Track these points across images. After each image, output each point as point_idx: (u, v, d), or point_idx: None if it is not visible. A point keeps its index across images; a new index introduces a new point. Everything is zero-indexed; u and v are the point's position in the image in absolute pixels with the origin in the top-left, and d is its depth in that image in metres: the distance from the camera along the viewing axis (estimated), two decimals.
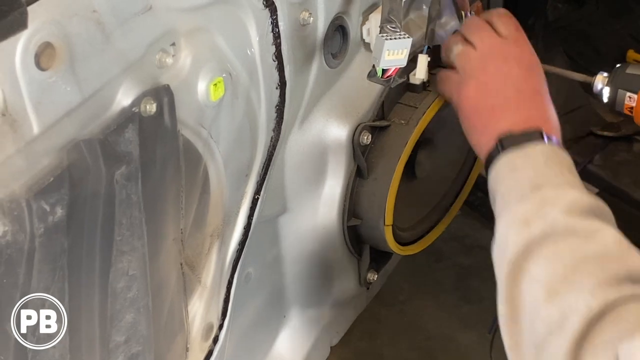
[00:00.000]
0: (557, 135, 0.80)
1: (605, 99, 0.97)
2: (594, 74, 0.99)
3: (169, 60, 0.66)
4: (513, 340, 0.69)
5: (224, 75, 0.72)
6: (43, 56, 0.54)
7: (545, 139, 0.78)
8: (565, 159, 0.77)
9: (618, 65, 0.98)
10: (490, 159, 0.79)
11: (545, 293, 0.65)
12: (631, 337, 0.56)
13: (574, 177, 0.75)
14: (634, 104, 0.95)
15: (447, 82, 0.92)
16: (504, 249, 0.71)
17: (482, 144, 0.82)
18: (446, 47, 0.93)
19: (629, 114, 0.96)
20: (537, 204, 0.71)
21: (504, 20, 0.89)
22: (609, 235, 0.68)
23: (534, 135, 0.78)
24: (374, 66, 0.82)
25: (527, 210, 0.72)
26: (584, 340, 0.59)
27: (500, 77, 0.84)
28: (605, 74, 0.98)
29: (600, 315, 0.60)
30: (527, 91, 0.83)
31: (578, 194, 0.72)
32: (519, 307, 0.68)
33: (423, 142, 1.08)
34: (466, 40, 0.89)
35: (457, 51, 0.89)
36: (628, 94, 0.95)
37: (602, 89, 0.98)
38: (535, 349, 0.65)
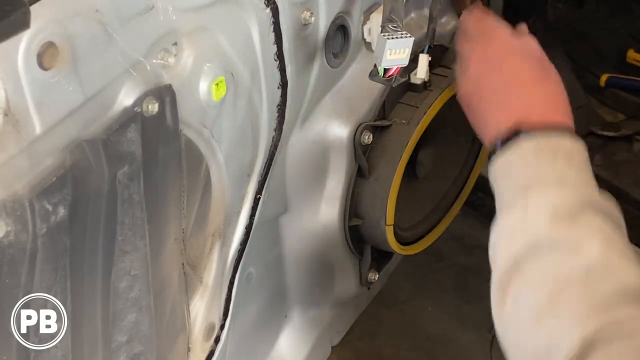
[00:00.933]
0: (557, 117, 0.75)
1: None
2: None
3: (171, 60, 0.66)
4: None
5: (225, 75, 0.72)
6: (45, 56, 0.54)
7: (530, 132, 0.72)
8: (560, 145, 0.71)
9: None
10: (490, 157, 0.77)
11: (531, 320, 0.63)
12: None
13: (568, 167, 0.70)
14: None
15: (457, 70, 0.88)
16: (494, 258, 0.70)
17: (483, 139, 0.80)
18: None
19: None
20: (522, 212, 0.68)
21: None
22: (595, 246, 0.64)
23: (522, 131, 0.73)
24: (375, 65, 0.82)
25: (514, 221, 0.69)
26: None
27: (487, 71, 0.81)
28: None
29: (584, 353, 0.58)
30: (514, 83, 0.78)
31: (566, 193, 0.68)
32: (508, 328, 0.67)
33: (424, 142, 1.08)
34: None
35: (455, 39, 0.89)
36: None
37: None
38: None
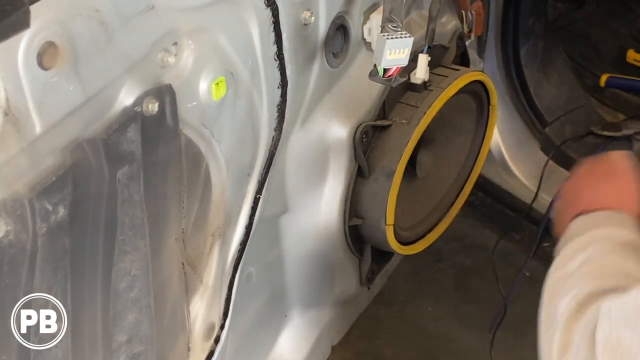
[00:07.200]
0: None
1: None
2: None
3: (171, 60, 0.66)
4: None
5: (225, 74, 0.72)
6: (46, 55, 0.54)
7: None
8: (624, 221, 0.84)
9: None
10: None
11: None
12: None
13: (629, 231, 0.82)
14: None
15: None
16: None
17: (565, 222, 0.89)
18: None
19: None
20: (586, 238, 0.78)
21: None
22: None
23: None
24: (375, 65, 0.82)
25: (577, 244, 0.78)
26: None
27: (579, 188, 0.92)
28: None
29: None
30: (601, 194, 0.90)
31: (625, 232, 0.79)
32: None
33: (424, 142, 1.08)
34: None
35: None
36: None
37: None
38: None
